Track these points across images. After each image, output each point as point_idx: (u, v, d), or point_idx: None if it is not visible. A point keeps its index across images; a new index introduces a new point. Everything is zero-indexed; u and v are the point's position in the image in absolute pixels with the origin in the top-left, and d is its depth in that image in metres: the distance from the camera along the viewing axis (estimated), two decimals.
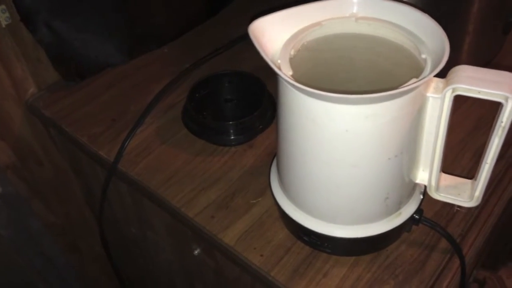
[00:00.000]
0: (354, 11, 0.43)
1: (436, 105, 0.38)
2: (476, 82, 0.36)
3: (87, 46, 0.68)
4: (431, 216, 0.51)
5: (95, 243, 0.92)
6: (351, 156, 0.39)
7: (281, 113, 0.42)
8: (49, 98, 0.69)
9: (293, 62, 0.41)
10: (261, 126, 0.62)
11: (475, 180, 0.42)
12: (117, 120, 0.65)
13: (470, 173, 0.55)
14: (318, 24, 0.43)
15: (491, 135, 0.38)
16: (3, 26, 0.63)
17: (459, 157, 0.57)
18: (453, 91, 0.37)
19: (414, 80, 0.35)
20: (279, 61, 0.39)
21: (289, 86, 0.38)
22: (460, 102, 0.37)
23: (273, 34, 0.42)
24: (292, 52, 0.41)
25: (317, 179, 0.42)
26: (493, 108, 0.38)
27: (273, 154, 0.58)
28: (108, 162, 0.60)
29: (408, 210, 0.45)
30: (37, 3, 0.61)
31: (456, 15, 0.57)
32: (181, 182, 0.57)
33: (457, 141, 0.58)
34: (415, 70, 0.39)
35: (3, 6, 0.62)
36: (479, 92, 0.35)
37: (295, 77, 0.38)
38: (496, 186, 0.55)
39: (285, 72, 0.38)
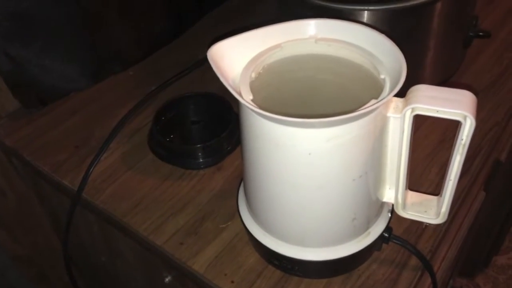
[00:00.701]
0: (313, 33, 0.43)
1: (397, 125, 0.38)
2: (434, 101, 0.36)
3: (48, 72, 0.66)
4: (401, 233, 0.51)
5: (64, 273, 0.89)
6: (315, 179, 0.38)
7: (244, 136, 0.41)
8: (10, 127, 0.67)
9: (254, 85, 0.40)
10: (229, 148, 0.61)
11: (441, 196, 0.43)
12: (80, 147, 0.64)
13: (438, 187, 0.56)
14: (278, 46, 0.43)
15: (453, 152, 0.38)
16: None
17: (426, 171, 0.57)
18: (412, 111, 0.37)
19: (373, 101, 0.35)
20: (239, 85, 0.39)
21: (250, 111, 0.37)
22: (425, 116, 0.37)
23: (233, 58, 0.41)
24: (253, 75, 0.41)
25: (283, 202, 0.41)
26: (456, 123, 0.38)
27: (242, 176, 0.57)
28: (72, 191, 0.58)
29: (377, 229, 0.45)
30: None
31: (416, 31, 0.58)
32: (148, 209, 0.56)
33: (423, 155, 0.59)
34: (376, 89, 0.39)
35: None
36: (437, 111, 0.36)
37: (256, 100, 0.37)
38: (464, 200, 0.55)
39: (245, 96, 0.37)
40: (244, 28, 0.42)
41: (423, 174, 0.57)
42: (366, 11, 0.55)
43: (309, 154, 0.37)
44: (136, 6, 0.73)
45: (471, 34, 0.64)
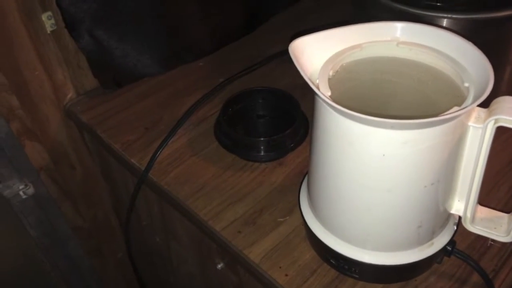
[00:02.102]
0: (396, 35, 0.43)
1: (477, 135, 0.37)
2: None
3: (126, 55, 0.70)
4: (464, 248, 0.49)
5: (119, 249, 0.93)
6: (386, 181, 0.38)
7: (316, 132, 0.42)
8: (87, 104, 0.71)
9: (331, 82, 0.41)
10: (292, 145, 0.61)
11: None
12: (150, 129, 0.66)
13: (506, 207, 0.53)
14: (358, 46, 0.43)
15: None
16: (48, 32, 0.65)
17: (495, 189, 0.55)
18: (495, 122, 0.36)
19: (456, 108, 0.35)
20: (317, 81, 0.39)
21: (327, 107, 0.38)
22: (498, 133, 0.36)
23: (312, 54, 0.42)
24: (331, 73, 0.41)
25: (349, 201, 0.41)
26: None
27: (303, 173, 0.58)
28: (139, 170, 0.61)
29: (441, 241, 0.44)
30: (82, 12, 0.63)
31: (498, 44, 0.56)
32: (209, 195, 0.57)
33: (493, 173, 0.57)
34: (457, 98, 0.38)
35: (49, 13, 0.64)
36: None
37: (333, 97, 0.38)
38: None
39: (323, 92, 0.38)
40: (326, 26, 0.43)
41: (492, 191, 0.55)
42: (446, 19, 0.54)
43: (383, 155, 0.36)
44: (214, 0, 0.75)
45: None
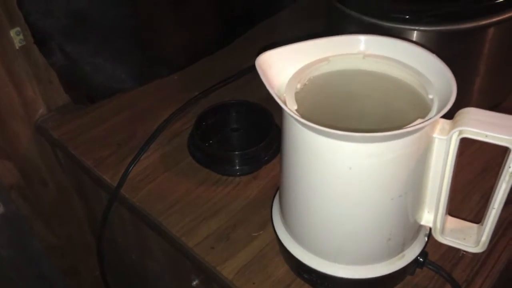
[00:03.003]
0: (362, 48, 0.43)
1: (442, 147, 0.37)
2: (483, 125, 0.35)
3: (98, 71, 0.69)
4: (436, 259, 0.49)
5: (95, 268, 0.91)
6: (353, 194, 0.38)
7: (284, 146, 0.42)
8: (58, 120, 0.70)
9: (299, 96, 0.41)
10: (266, 158, 0.61)
11: (482, 225, 0.41)
12: (122, 145, 0.65)
13: (478, 216, 0.54)
14: (325, 59, 0.43)
15: (499, 180, 0.37)
16: (17, 47, 0.64)
17: (467, 199, 0.56)
18: (459, 134, 0.36)
19: (420, 120, 0.35)
20: (284, 95, 0.39)
21: (293, 121, 0.37)
22: (468, 143, 0.37)
23: (280, 68, 0.42)
24: (298, 86, 0.41)
25: (318, 215, 0.41)
26: (503, 150, 0.37)
27: (277, 186, 0.57)
28: (111, 187, 0.60)
29: (412, 253, 0.44)
30: (51, 27, 0.62)
31: (467, 55, 0.57)
32: (182, 211, 0.56)
33: (465, 182, 0.57)
34: (422, 109, 0.39)
35: (18, 28, 0.63)
36: (486, 136, 0.35)
37: (300, 111, 0.37)
38: (505, 231, 0.53)
39: (290, 106, 0.38)
40: (293, 39, 0.43)
41: (463, 202, 0.55)
42: (416, 31, 0.55)
43: (349, 168, 0.36)
44: (188, 14, 0.75)
45: None
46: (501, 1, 0.53)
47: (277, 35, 0.87)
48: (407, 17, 0.54)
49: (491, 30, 0.55)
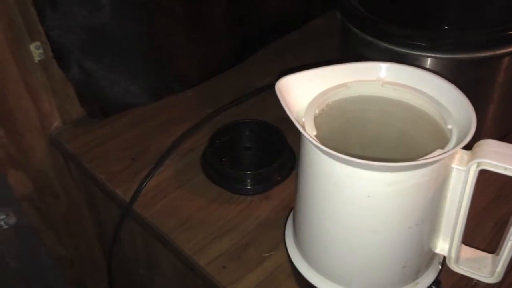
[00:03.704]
0: (381, 75, 0.43)
1: (460, 177, 0.38)
2: (503, 158, 0.35)
3: (114, 86, 0.70)
4: (449, 287, 0.49)
5: (101, 281, 0.91)
6: (370, 222, 0.38)
7: (301, 171, 0.42)
8: (72, 133, 0.71)
9: (317, 121, 0.41)
10: (279, 178, 0.61)
11: (497, 255, 0.41)
12: (136, 159, 0.66)
13: (491, 244, 0.54)
14: (344, 85, 0.43)
15: None
16: (36, 61, 0.65)
17: (480, 226, 0.55)
18: (478, 165, 0.36)
19: (439, 151, 0.35)
20: (303, 120, 0.39)
21: (312, 146, 0.38)
22: (482, 170, 0.37)
23: (299, 92, 0.42)
24: (317, 111, 0.42)
25: (333, 241, 0.41)
26: None
27: (289, 207, 0.57)
28: (124, 202, 0.60)
29: (426, 281, 0.44)
30: (70, 43, 0.64)
31: (481, 84, 0.58)
32: (194, 228, 0.57)
33: (478, 209, 0.57)
34: (440, 138, 0.39)
35: (38, 43, 0.64)
36: (505, 168, 0.35)
37: (318, 136, 0.38)
38: None
39: (309, 132, 0.38)
40: (313, 64, 0.43)
41: (476, 229, 0.55)
42: (430, 58, 0.55)
43: (368, 196, 0.37)
44: (203, 32, 0.76)
45: None
46: None
47: (291, 53, 0.87)
48: (423, 44, 0.55)
49: (506, 59, 0.56)
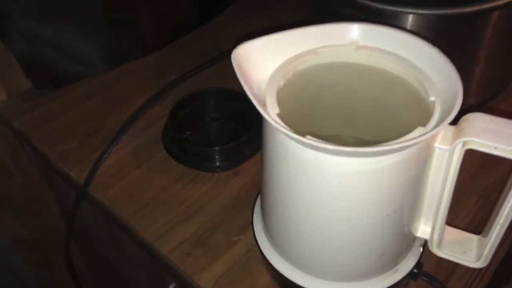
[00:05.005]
0: (354, 38, 0.38)
1: (444, 157, 0.33)
2: (492, 135, 0.30)
3: (63, 53, 0.62)
4: (431, 266, 0.45)
5: (72, 259, 0.87)
6: (343, 210, 0.33)
7: (265, 152, 0.37)
8: (20, 108, 0.64)
9: (282, 93, 0.35)
10: (249, 152, 0.56)
11: (484, 237, 0.37)
12: (92, 136, 0.60)
13: (476, 218, 0.50)
14: (312, 51, 0.38)
15: (506, 194, 0.33)
16: None
17: (464, 198, 0.52)
18: (464, 145, 0.31)
19: (420, 129, 0.30)
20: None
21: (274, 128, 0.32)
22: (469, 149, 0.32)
23: (261, 61, 0.36)
24: (282, 82, 0.36)
25: (303, 229, 0.37)
26: None
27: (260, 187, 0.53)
28: (78, 184, 0.55)
29: (406, 266, 0.40)
30: (8, 6, 0.56)
31: (467, 41, 0.52)
32: (156, 212, 0.52)
33: (461, 180, 0.52)
34: (421, 111, 0.34)
35: None
36: (495, 148, 0.30)
37: (283, 112, 0.32)
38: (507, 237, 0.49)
39: (270, 110, 0.32)
40: (275, 28, 0.37)
41: (460, 202, 0.51)
42: (412, 15, 0.49)
43: (339, 183, 0.32)
44: None
45: None
46: None
47: (260, 13, 0.80)
48: None
49: (495, 14, 0.50)
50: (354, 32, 0.38)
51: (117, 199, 0.53)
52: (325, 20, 0.38)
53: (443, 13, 0.48)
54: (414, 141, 0.29)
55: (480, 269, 0.46)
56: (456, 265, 0.46)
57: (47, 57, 0.62)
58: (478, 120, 0.32)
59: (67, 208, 0.76)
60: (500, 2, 0.48)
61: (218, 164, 0.55)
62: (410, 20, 0.50)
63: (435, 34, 0.51)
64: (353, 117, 0.41)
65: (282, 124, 0.31)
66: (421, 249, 0.42)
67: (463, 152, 0.32)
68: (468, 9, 0.47)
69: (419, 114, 0.34)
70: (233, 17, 0.79)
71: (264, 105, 0.33)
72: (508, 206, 0.33)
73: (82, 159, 0.57)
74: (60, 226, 0.83)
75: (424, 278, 0.43)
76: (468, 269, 0.46)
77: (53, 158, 0.58)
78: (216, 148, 0.54)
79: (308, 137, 0.29)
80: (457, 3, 0.47)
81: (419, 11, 0.48)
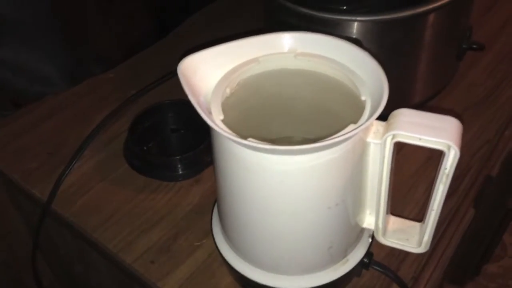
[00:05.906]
0: (293, 46, 0.40)
1: (377, 150, 0.36)
2: (417, 128, 0.33)
3: (22, 73, 0.63)
4: (383, 257, 0.48)
5: (42, 277, 0.86)
6: (287, 207, 0.36)
7: (215, 157, 0.39)
8: None
9: (229, 101, 0.38)
10: (209, 159, 0.58)
11: (424, 224, 0.40)
12: (53, 154, 0.61)
13: (424, 207, 0.53)
14: (255, 60, 0.40)
15: (436, 181, 0.36)
16: None
17: (413, 189, 0.55)
18: (393, 138, 0.34)
19: (352, 126, 0.33)
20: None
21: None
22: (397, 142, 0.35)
23: (206, 73, 0.38)
24: (228, 91, 0.38)
25: (255, 228, 0.39)
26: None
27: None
28: (41, 202, 0.55)
29: (356, 256, 0.43)
30: None
31: (407, 43, 0.56)
32: (119, 224, 0.53)
33: (410, 172, 0.56)
34: (357, 109, 0.36)
35: None
36: (419, 139, 0.33)
37: (230, 118, 0.35)
38: (451, 220, 0.53)
39: (215, 116, 0.35)
40: (218, 40, 0.40)
41: (409, 193, 0.54)
42: (355, 22, 0.53)
43: (281, 181, 0.34)
44: (117, 4, 0.69)
45: (464, 46, 0.61)
46: None
47: (219, 24, 0.83)
48: (344, 7, 0.52)
49: (431, 17, 0.54)
50: (293, 40, 0.40)
51: (81, 213, 0.54)
52: (274, 29, 0.41)
53: (381, 19, 0.52)
54: (344, 137, 0.31)
55: (429, 256, 0.49)
56: (406, 254, 0.49)
57: (6, 79, 0.62)
58: (405, 115, 0.34)
59: (34, 227, 0.76)
60: (433, 5, 0.52)
61: (180, 173, 0.57)
62: (353, 27, 0.53)
63: (377, 38, 0.54)
64: (298, 119, 0.43)
65: (225, 128, 0.33)
66: (370, 240, 0.44)
67: (393, 145, 0.35)
68: (402, 14, 0.51)
69: (355, 113, 0.36)
70: (189, 30, 0.81)
71: (210, 113, 0.35)
72: (439, 193, 0.36)
73: (44, 177, 0.58)
74: (29, 246, 0.82)
75: (375, 268, 0.45)
76: (417, 256, 0.49)
77: (16, 177, 0.58)
78: (177, 157, 0.56)
79: (250, 139, 0.31)
80: (391, 9, 0.51)
81: (358, 18, 0.52)
